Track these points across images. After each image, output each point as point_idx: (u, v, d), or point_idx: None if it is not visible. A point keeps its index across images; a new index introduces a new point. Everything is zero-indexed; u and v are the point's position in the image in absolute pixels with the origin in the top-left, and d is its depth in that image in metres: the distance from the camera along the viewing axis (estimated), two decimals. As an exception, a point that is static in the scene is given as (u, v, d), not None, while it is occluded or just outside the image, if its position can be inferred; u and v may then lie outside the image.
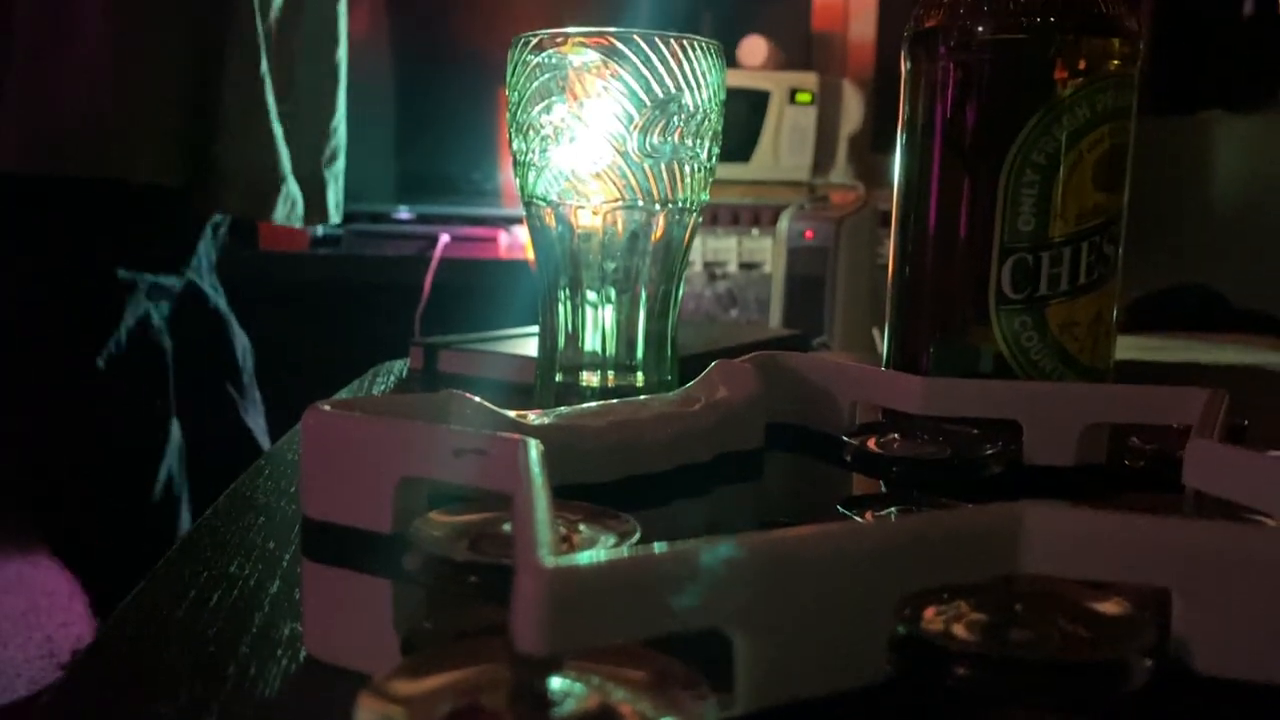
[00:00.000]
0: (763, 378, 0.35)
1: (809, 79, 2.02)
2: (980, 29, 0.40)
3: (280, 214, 1.04)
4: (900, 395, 0.35)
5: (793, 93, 1.99)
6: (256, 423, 1.18)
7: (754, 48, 2.09)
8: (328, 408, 0.26)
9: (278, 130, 1.02)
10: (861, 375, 0.36)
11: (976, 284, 0.40)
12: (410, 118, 2.14)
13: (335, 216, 1.15)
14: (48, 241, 0.97)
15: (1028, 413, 0.33)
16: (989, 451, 0.33)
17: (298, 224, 1.09)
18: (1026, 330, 0.40)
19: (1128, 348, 0.68)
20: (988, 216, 0.40)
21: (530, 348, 0.63)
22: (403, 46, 2.14)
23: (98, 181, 0.93)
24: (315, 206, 1.12)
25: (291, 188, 1.05)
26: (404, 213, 2.00)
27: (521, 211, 0.50)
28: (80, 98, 0.92)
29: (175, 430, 1.04)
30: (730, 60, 2.09)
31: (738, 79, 2.00)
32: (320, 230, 1.86)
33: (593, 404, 0.32)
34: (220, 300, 1.16)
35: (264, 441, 1.17)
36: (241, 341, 1.18)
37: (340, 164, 1.15)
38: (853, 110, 2.07)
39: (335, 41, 1.13)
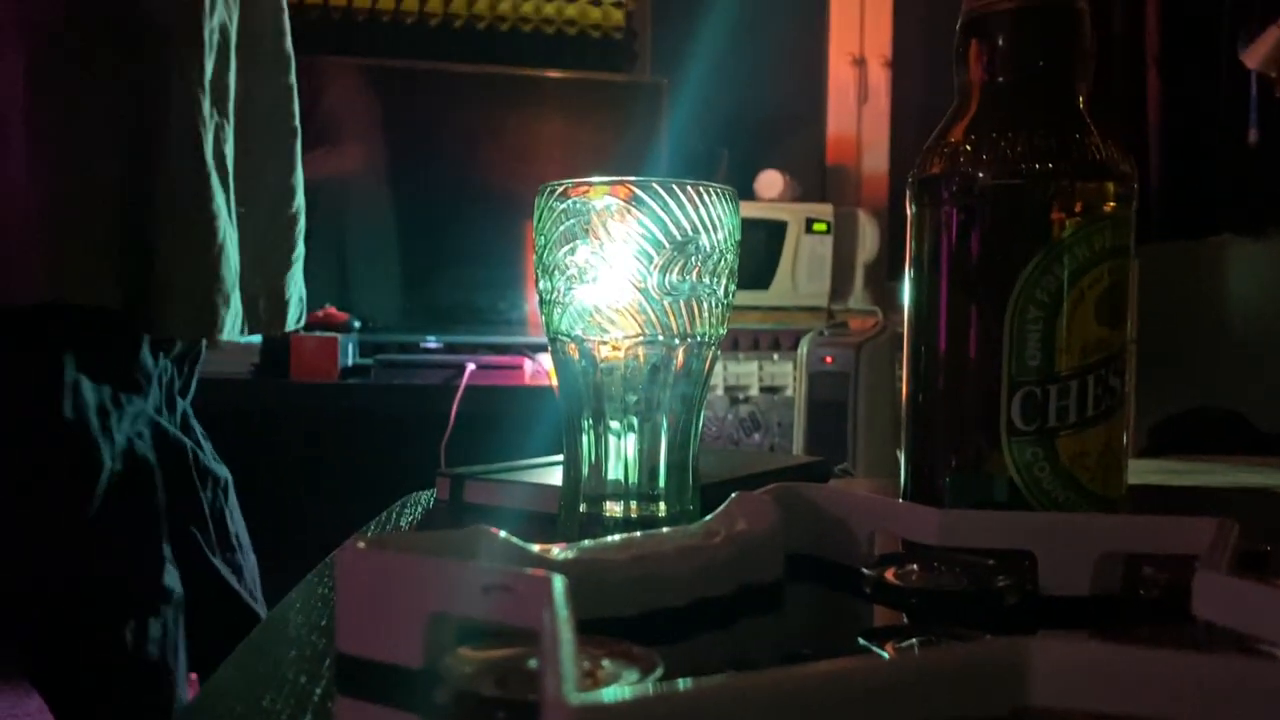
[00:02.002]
0: (782, 509, 0.36)
1: (824, 209, 2.08)
2: (980, 175, 0.42)
3: (227, 331, 0.96)
4: (917, 527, 0.36)
5: (809, 222, 2.05)
6: (233, 560, 1.08)
7: (770, 181, 2.17)
8: (361, 545, 0.27)
9: (228, 242, 0.94)
10: (878, 507, 0.37)
11: (988, 416, 0.42)
12: (440, 250, 2.21)
13: (292, 324, 1.06)
14: (11, 374, 0.92)
15: (1042, 544, 0.34)
16: (1005, 583, 0.34)
17: (238, 338, 1.00)
18: (1038, 461, 0.41)
19: (1150, 471, 0.69)
20: (995, 352, 0.41)
21: (553, 477, 0.64)
22: (432, 183, 2.22)
23: (43, 308, 0.89)
24: (272, 317, 1.03)
25: (236, 301, 0.97)
26: (432, 342, 2.05)
27: (545, 339, 0.52)
28: (6, 223, 0.87)
29: (173, 579, 0.98)
30: (748, 193, 2.17)
31: (756, 210, 2.07)
32: (350, 360, 1.90)
33: (615, 537, 0.33)
34: (188, 439, 1.07)
35: (236, 581, 1.08)
36: (217, 474, 1.09)
37: (300, 267, 1.07)
38: (868, 239, 2.12)
39: (292, 133, 1.06)
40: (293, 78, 1.08)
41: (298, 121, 1.08)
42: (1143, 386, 1.43)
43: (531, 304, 2.13)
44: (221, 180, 0.95)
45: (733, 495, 0.36)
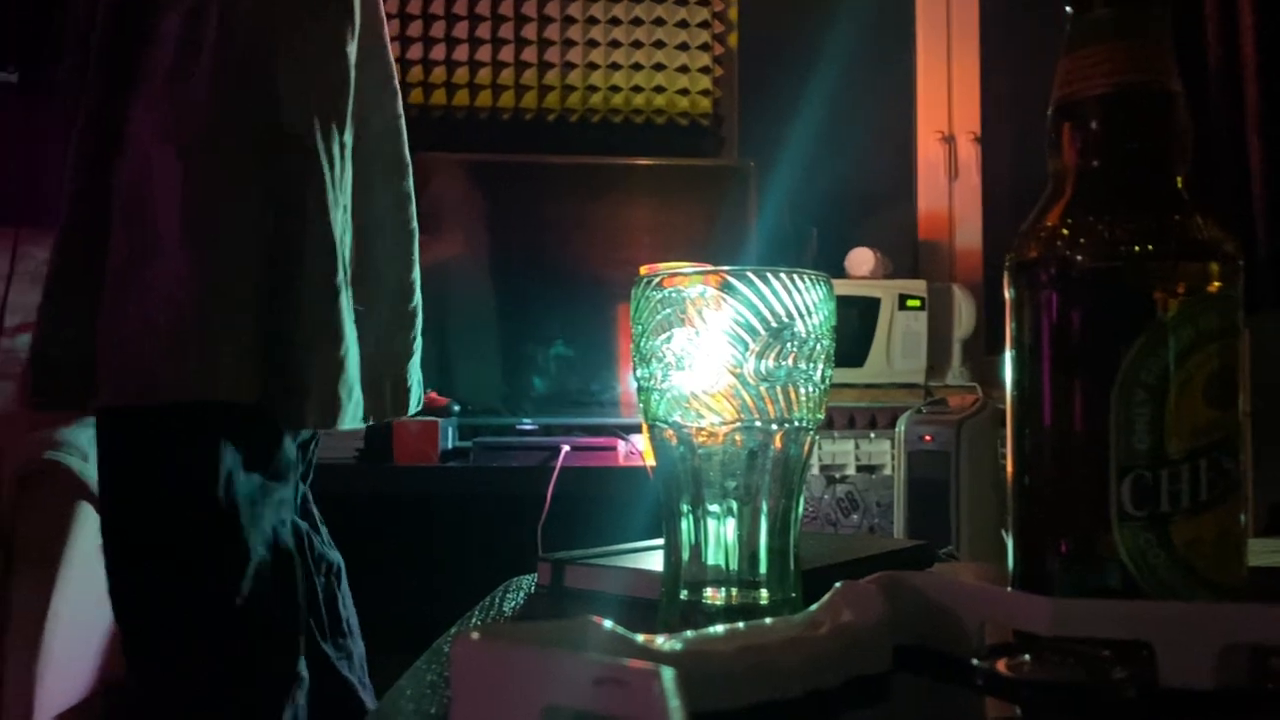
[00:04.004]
0: (887, 599, 0.36)
1: (918, 285, 2.06)
2: (1079, 259, 0.42)
3: (348, 421, 1.00)
4: (1028, 617, 0.35)
5: (903, 299, 2.03)
6: (343, 646, 1.10)
7: (861, 258, 2.16)
8: (476, 635, 0.28)
9: (352, 340, 0.99)
10: (988, 595, 0.37)
11: (1097, 501, 0.41)
12: (535, 334, 2.26)
13: (414, 409, 1.11)
14: (160, 470, 0.95)
15: (1161, 634, 0.33)
16: (1123, 675, 0.33)
17: (359, 425, 1.04)
18: (1152, 548, 0.40)
19: (1272, 551, 0.66)
20: (1102, 435, 0.41)
21: (651, 562, 0.65)
22: (527, 269, 2.29)
23: (188, 404, 0.93)
24: (397, 404, 1.08)
25: (357, 393, 1.01)
26: (527, 424, 2.08)
27: (638, 419, 0.53)
28: (162, 324, 0.92)
29: (303, 665, 0.99)
30: (839, 270, 2.17)
31: (847, 287, 2.06)
32: (450, 443, 1.94)
33: (720, 627, 0.33)
34: (305, 524, 1.10)
35: (346, 668, 1.09)
36: (331, 560, 1.12)
37: (419, 357, 1.12)
38: (964, 314, 2.09)
39: (411, 235, 1.11)
40: (410, 183, 1.14)
41: (415, 224, 1.14)
42: (1262, 461, 1.37)
43: (624, 385, 2.15)
44: (347, 282, 1.01)
45: (836, 585, 0.36)
